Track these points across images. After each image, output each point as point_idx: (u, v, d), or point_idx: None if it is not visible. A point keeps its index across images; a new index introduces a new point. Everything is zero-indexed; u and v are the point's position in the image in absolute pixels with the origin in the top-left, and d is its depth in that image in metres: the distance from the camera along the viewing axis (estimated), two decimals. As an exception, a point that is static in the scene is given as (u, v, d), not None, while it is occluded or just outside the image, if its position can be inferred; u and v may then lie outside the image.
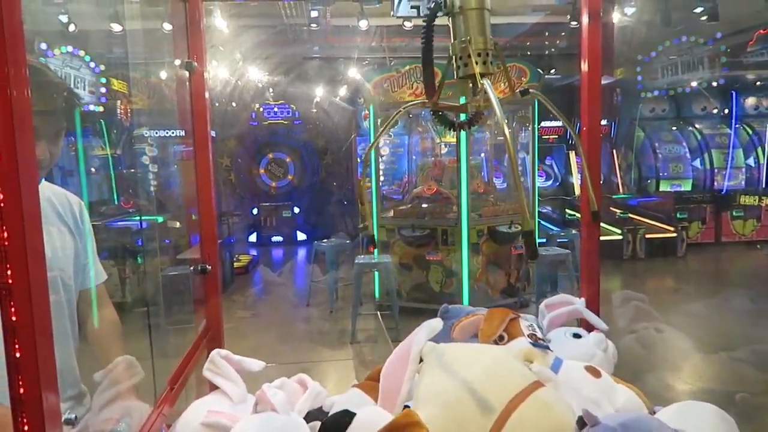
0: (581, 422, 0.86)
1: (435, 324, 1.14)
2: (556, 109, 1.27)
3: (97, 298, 1.53)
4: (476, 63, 1.07)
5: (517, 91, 1.31)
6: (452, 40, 1.11)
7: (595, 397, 1.20)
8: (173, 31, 1.87)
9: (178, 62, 1.62)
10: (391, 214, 5.71)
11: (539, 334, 1.34)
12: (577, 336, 1.68)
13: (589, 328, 1.78)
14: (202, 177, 1.70)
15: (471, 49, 1.08)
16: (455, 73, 1.12)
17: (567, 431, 0.89)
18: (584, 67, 1.81)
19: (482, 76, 1.08)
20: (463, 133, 5.19)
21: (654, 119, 9.66)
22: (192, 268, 1.72)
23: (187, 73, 1.63)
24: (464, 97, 1.19)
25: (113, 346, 1.47)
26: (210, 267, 1.69)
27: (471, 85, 1.12)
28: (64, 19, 5.44)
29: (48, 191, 1.45)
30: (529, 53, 8.70)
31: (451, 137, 5.96)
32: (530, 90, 1.32)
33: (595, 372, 1.29)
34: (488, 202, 5.73)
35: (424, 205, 5.68)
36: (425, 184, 5.85)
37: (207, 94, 1.68)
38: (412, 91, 5.27)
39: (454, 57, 1.11)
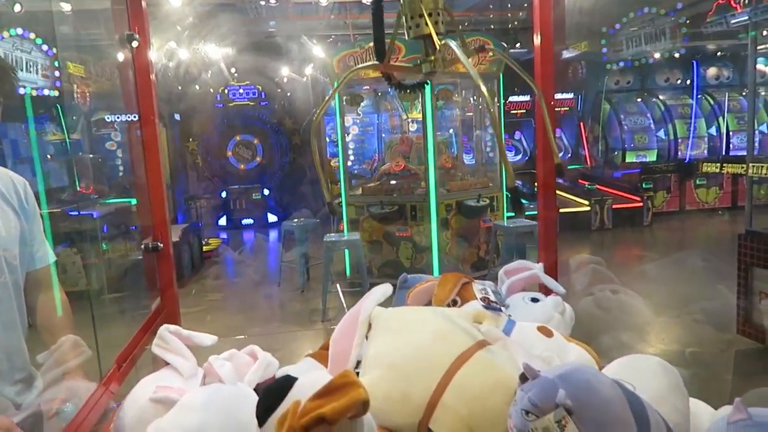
0: (523, 377, 0.86)
1: (384, 289, 1.13)
2: (517, 65, 1.27)
3: (45, 280, 1.50)
4: (428, 23, 1.05)
5: (472, 49, 1.29)
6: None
7: (546, 356, 1.21)
8: (113, 4, 1.80)
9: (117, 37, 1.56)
10: (360, 191, 5.68)
11: (492, 298, 1.34)
12: (535, 300, 1.70)
13: (549, 293, 1.80)
14: (150, 156, 1.66)
15: (422, 9, 1.06)
16: (406, 33, 1.10)
17: (510, 387, 0.90)
18: (537, 40, 1.81)
19: (430, 36, 1.06)
20: (428, 109, 5.17)
21: (619, 91, 9.76)
22: (143, 246, 1.68)
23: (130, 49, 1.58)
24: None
25: (62, 329, 1.43)
26: (162, 245, 1.65)
27: (424, 45, 1.10)
28: (10, -2, 5.22)
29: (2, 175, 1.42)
30: (492, 27, 8.68)
31: (417, 113, 5.94)
32: (486, 47, 1.31)
33: (547, 332, 1.31)
34: (456, 177, 5.74)
35: (393, 182, 5.67)
36: (393, 161, 5.83)
37: (153, 71, 1.62)
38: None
39: (404, 17, 1.09)
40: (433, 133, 5.22)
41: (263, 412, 0.83)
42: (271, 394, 0.84)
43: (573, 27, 9.03)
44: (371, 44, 4.19)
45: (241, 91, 10.61)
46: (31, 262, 1.45)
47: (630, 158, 9.33)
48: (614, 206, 8.21)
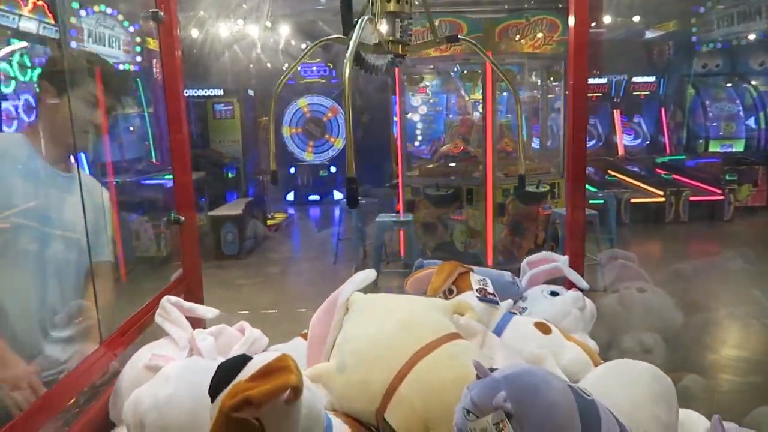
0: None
1: (366, 274, 1.13)
2: (488, 56, 1.21)
3: (108, 272, 1.74)
4: (389, 1, 1.01)
5: (443, 36, 1.24)
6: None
7: (538, 353, 1.17)
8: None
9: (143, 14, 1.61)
10: (417, 173, 5.65)
11: (490, 290, 1.30)
12: (554, 294, 1.64)
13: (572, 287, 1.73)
14: (176, 131, 1.70)
15: None
16: (371, 9, 1.06)
17: (469, 383, 0.87)
18: (571, 21, 1.71)
19: (397, 15, 1.03)
20: (488, 91, 5.05)
21: (707, 75, 9.10)
22: (167, 219, 1.75)
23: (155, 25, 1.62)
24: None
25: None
26: (183, 218, 1.71)
27: (392, 24, 1.07)
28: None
29: (89, 182, 1.73)
30: (560, 5, 8.28)
31: (479, 95, 5.80)
32: (459, 36, 1.25)
33: (544, 328, 1.26)
34: (516, 160, 5.58)
35: (451, 164, 5.59)
36: (452, 143, 5.74)
37: (179, 49, 1.66)
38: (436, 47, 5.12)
39: None
40: (493, 114, 5.09)
41: (214, 389, 0.84)
42: (224, 371, 0.85)
43: (659, 4, 8.49)
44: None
45: (313, 68, 10.75)
46: (104, 253, 1.70)
47: (714, 147, 8.72)
48: (691, 198, 7.72)
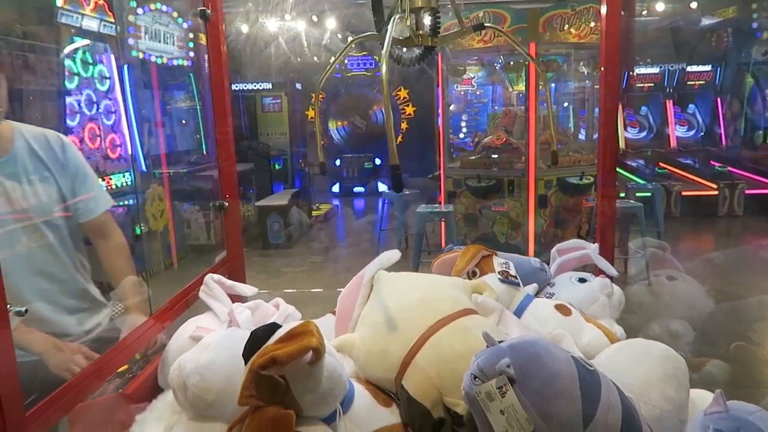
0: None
1: (390, 255, 1.19)
2: (519, 44, 1.25)
3: (102, 228, 1.67)
4: None
5: (470, 26, 1.28)
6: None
7: (556, 333, 1.21)
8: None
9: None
10: (458, 164, 5.67)
11: (512, 272, 1.35)
12: (582, 281, 1.67)
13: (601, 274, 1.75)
14: (221, 124, 1.81)
15: None
16: (400, 6, 1.12)
17: (480, 354, 0.93)
18: (603, 10, 1.72)
19: (424, 9, 1.08)
20: (532, 82, 5.01)
21: (767, 63, 8.71)
22: (212, 204, 1.86)
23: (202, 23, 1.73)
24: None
25: (122, 267, 1.65)
26: (227, 204, 1.82)
27: (416, 19, 1.13)
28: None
29: (26, 133, 1.52)
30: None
31: (523, 86, 5.76)
32: (485, 24, 1.29)
33: (565, 310, 1.30)
34: (561, 153, 5.53)
35: (494, 156, 5.59)
36: (494, 134, 5.73)
37: (224, 45, 1.77)
38: (481, 37, 5.12)
39: None
40: (543, 103, 5.05)
41: (248, 353, 0.93)
42: (256, 338, 0.94)
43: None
44: (474, 14, 4.07)
45: (360, 62, 10.86)
46: (85, 213, 1.61)
47: (773, 139, 8.36)
48: (747, 191, 7.43)
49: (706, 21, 8.81)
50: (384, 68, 0.99)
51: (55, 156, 1.55)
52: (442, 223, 5.73)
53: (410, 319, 1.01)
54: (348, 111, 10.97)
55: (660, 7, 8.21)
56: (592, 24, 5.17)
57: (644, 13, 8.13)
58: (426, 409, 0.93)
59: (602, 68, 1.72)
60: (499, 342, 0.85)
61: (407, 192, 5.84)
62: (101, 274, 1.64)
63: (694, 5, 8.43)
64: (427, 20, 1.16)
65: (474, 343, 0.95)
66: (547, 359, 0.81)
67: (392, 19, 1.17)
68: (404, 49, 1.35)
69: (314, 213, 8.03)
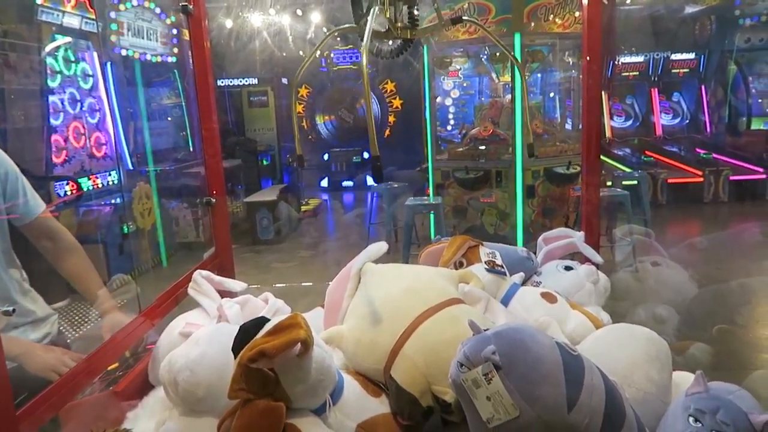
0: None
1: (379, 246, 1.20)
2: (495, 36, 1.26)
3: (42, 230, 1.64)
4: None
5: (448, 19, 1.29)
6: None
7: (543, 320, 1.23)
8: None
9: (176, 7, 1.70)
10: (446, 156, 5.68)
11: (499, 262, 1.36)
12: (568, 268, 1.70)
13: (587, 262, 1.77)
14: (206, 119, 1.81)
15: None
16: None
17: (466, 342, 0.94)
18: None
19: (402, 2, 1.09)
20: (517, 72, 5.02)
21: (750, 50, 8.79)
22: (198, 201, 1.86)
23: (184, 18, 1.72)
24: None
25: (76, 264, 1.64)
26: (215, 200, 1.82)
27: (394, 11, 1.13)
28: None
29: None
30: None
31: (508, 77, 5.77)
32: (464, 17, 1.30)
33: (550, 298, 1.32)
34: (548, 143, 5.56)
35: (481, 147, 5.61)
36: (481, 126, 5.75)
37: (207, 41, 1.76)
38: (466, 29, 5.13)
39: None
40: (522, 96, 5.07)
41: (237, 347, 0.94)
42: (245, 331, 0.95)
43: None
44: (459, 6, 4.04)
45: (345, 55, 10.82)
46: (20, 217, 1.58)
47: (756, 125, 8.45)
48: (732, 177, 7.52)
49: (689, 9, 8.86)
50: (364, 60, 1.00)
51: None
52: (431, 215, 5.74)
53: (398, 309, 1.02)
54: (335, 105, 10.92)
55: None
56: (577, 14, 5.21)
57: (628, 1, 8.18)
58: (414, 398, 0.94)
59: (588, 58, 1.74)
60: (485, 330, 0.87)
61: (395, 185, 5.86)
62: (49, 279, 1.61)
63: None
64: (404, 12, 1.16)
65: (460, 331, 0.96)
66: (531, 345, 0.82)
67: (372, 11, 1.17)
68: (386, 42, 1.36)
69: (303, 208, 8.02)
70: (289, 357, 0.84)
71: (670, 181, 7.50)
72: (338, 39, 10.22)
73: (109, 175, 5.49)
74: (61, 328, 1.50)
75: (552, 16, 5.18)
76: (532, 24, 5.11)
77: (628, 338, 1.05)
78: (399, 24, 1.20)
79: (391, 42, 1.34)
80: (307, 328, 0.84)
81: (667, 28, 9.31)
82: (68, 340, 1.45)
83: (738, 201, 7.48)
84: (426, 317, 0.99)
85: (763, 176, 7.56)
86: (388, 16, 1.19)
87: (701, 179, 7.58)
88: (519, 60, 4.76)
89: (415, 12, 1.18)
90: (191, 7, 1.69)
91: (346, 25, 1.31)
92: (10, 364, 1.35)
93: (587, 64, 1.77)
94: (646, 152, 8.87)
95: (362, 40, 1.19)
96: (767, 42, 8.68)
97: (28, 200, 1.59)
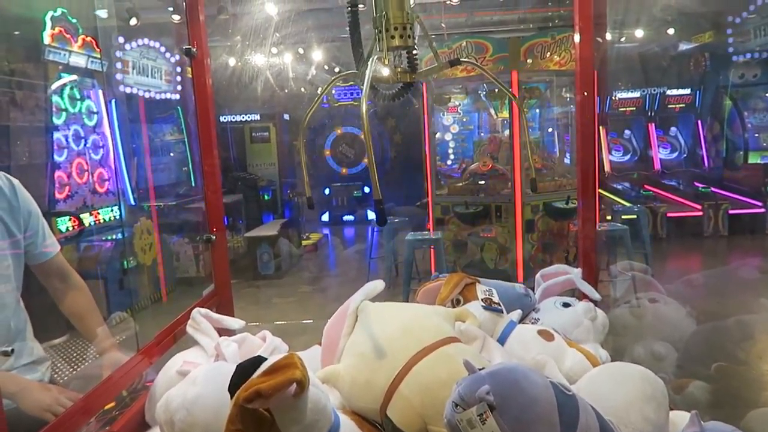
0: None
1: (375, 285, 1.21)
2: (494, 76, 1.29)
3: (54, 271, 1.66)
4: (393, 37, 1.11)
5: (446, 61, 1.33)
6: (374, 14, 1.16)
7: (540, 359, 1.23)
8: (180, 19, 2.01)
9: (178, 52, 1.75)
10: (446, 191, 5.73)
11: (495, 299, 1.37)
12: (566, 305, 1.70)
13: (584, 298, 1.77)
14: (207, 156, 1.84)
15: (391, 23, 1.12)
16: (378, 46, 1.17)
17: (462, 382, 0.94)
18: (576, 38, 1.78)
19: (401, 48, 1.12)
20: (516, 109, 5.11)
21: (744, 86, 8.92)
22: (198, 238, 1.88)
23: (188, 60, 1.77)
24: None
25: (84, 305, 1.65)
26: (215, 237, 1.84)
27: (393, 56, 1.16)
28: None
29: None
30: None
31: (506, 113, 5.86)
32: (461, 59, 1.34)
33: (547, 336, 1.32)
34: (546, 177, 5.61)
35: (480, 182, 5.65)
36: (480, 161, 5.81)
37: (209, 81, 1.81)
38: (464, 67, 5.23)
39: (376, 30, 1.16)
40: (521, 132, 5.14)
41: (233, 387, 0.94)
42: (242, 371, 0.95)
43: (695, 16, 8.42)
44: (457, 44, 4.16)
45: (346, 92, 10.99)
46: (37, 256, 1.60)
47: (753, 159, 8.51)
48: (731, 211, 7.54)
49: (683, 46, 9.04)
50: (363, 107, 1.03)
51: (8, 199, 1.50)
52: (432, 250, 5.75)
53: (394, 348, 1.02)
54: (336, 141, 11.05)
55: (639, 33, 8.44)
56: (573, 51, 5.31)
57: (623, 39, 8.35)
58: (411, 438, 0.94)
59: (585, 93, 1.77)
60: (480, 369, 0.87)
61: (396, 220, 5.89)
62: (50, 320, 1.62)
63: (671, 31, 8.69)
64: (404, 58, 1.20)
65: (456, 370, 0.97)
66: (525, 385, 0.82)
67: (371, 59, 1.21)
68: (384, 86, 1.40)
69: (304, 242, 8.03)
70: (284, 397, 0.84)
71: (669, 215, 7.53)
72: (339, 81, 10.38)
73: (111, 210, 5.53)
74: (58, 366, 1.50)
75: (549, 53, 5.29)
76: (529, 61, 5.22)
77: (624, 377, 1.05)
78: (399, 69, 1.23)
79: (388, 86, 1.38)
80: (303, 368, 0.85)
81: (662, 65, 9.49)
82: (63, 380, 1.44)
83: (738, 234, 7.48)
84: (422, 356, 0.99)
85: (762, 210, 7.58)
86: (387, 63, 1.23)
87: (700, 213, 7.60)
88: (516, 97, 4.85)
89: (414, 54, 1.22)
90: (195, 50, 1.74)
91: (348, 72, 1.35)
92: (7, 404, 1.35)
93: (580, 99, 1.80)
94: (646, 186, 8.93)
95: (362, 86, 1.23)
96: (761, 77, 8.83)
97: (46, 240, 1.62)
